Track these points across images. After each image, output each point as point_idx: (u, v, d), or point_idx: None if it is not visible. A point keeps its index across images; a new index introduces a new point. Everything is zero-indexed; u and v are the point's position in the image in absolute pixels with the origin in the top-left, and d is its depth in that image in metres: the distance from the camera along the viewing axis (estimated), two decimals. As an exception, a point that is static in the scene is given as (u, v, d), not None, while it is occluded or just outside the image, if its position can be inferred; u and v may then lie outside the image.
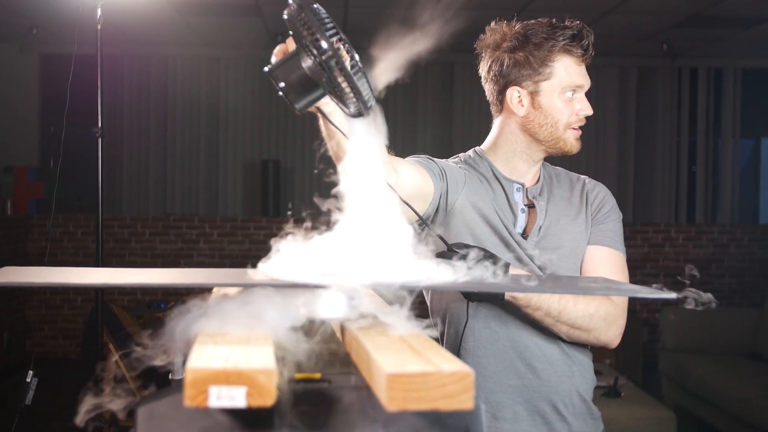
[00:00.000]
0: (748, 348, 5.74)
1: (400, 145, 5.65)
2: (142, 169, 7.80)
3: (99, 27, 3.50)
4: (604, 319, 1.75)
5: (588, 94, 1.86)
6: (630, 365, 6.27)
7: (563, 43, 1.79)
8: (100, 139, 3.53)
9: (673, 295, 1.00)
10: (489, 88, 1.90)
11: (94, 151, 3.54)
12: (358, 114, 1.12)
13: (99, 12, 3.49)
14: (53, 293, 7.31)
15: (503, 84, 1.85)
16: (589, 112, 1.83)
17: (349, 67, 1.07)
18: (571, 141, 1.84)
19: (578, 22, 1.82)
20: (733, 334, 5.83)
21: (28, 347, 7.15)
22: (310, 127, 7.69)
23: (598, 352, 5.47)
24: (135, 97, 7.77)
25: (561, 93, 1.81)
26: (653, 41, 7.11)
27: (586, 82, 1.83)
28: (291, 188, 7.89)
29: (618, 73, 7.90)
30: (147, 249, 7.43)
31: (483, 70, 1.91)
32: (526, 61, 1.80)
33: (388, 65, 1.24)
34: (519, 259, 1.80)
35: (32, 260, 7.10)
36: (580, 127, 1.85)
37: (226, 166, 7.86)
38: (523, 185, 1.89)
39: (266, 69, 1.16)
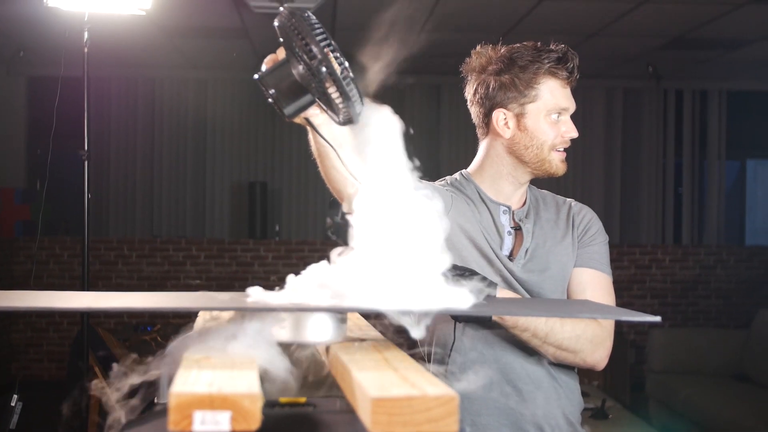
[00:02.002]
0: (735, 369, 5.74)
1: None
2: (129, 191, 7.76)
3: (86, 49, 3.50)
4: (590, 340, 1.75)
5: (574, 116, 1.87)
6: (617, 387, 6.26)
7: (548, 65, 1.80)
8: (86, 162, 3.52)
9: (658, 319, 1.00)
10: (475, 111, 1.91)
11: (81, 174, 3.53)
12: (348, 122, 1.12)
13: (86, 35, 3.49)
14: (39, 316, 7.26)
15: (489, 106, 1.86)
16: (575, 134, 1.85)
17: (339, 73, 1.07)
18: (556, 163, 1.85)
19: (563, 45, 1.84)
20: (719, 355, 5.84)
21: (13, 370, 7.09)
22: (297, 149, 7.69)
23: (585, 374, 5.47)
24: (122, 120, 7.74)
25: (546, 115, 1.82)
26: (638, 63, 7.16)
27: (571, 105, 1.85)
28: (278, 210, 7.87)
29: (604, 95, 7.94)
30: (134, 271, 7.40)
31: (469, 93, 1.92)
32: (511, 83, 1.82)
33: (374, 88, 1.24)
34: (506, 281, 1.80)
35: (18, 282, 7.06)
36: (565, 150, 1.87)
37: (213, 188, 7.84)
38: (509, 208, 1.89)
39: (256, 76, 1.16)
